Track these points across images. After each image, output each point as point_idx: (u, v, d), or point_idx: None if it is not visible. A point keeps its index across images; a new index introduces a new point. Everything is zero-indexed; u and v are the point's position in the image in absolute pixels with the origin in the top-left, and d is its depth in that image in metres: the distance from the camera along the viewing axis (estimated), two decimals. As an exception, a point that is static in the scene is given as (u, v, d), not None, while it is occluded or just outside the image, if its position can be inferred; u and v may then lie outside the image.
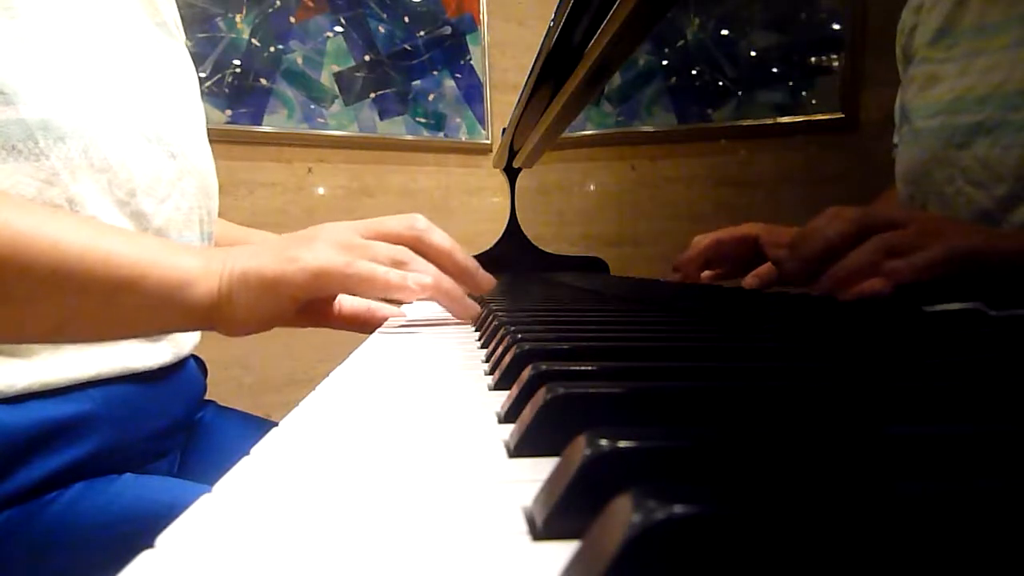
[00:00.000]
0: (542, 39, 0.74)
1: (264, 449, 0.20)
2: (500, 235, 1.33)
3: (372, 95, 1.82)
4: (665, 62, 1.21)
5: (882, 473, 0.15)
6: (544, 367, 0.24)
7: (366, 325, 0.59)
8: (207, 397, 0.74)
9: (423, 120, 1.88)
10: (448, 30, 1.90)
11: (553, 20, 0.68)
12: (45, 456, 0.47)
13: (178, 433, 0.64)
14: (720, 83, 0.98)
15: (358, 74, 1.80)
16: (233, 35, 1.66)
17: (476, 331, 0.51)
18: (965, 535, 0.11)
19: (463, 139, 1.93)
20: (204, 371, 0.73)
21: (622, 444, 0.15)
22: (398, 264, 0.48)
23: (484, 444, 0.21)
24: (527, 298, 0.72)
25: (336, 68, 1.78)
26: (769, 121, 0.79)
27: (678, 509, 0.10)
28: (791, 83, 0.75)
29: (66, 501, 0.47)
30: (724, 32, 1.01)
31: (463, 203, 1.92)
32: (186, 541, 0.14)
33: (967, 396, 0.20)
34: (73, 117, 0.49)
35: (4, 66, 0.46)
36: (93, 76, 0.52)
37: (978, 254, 0.37)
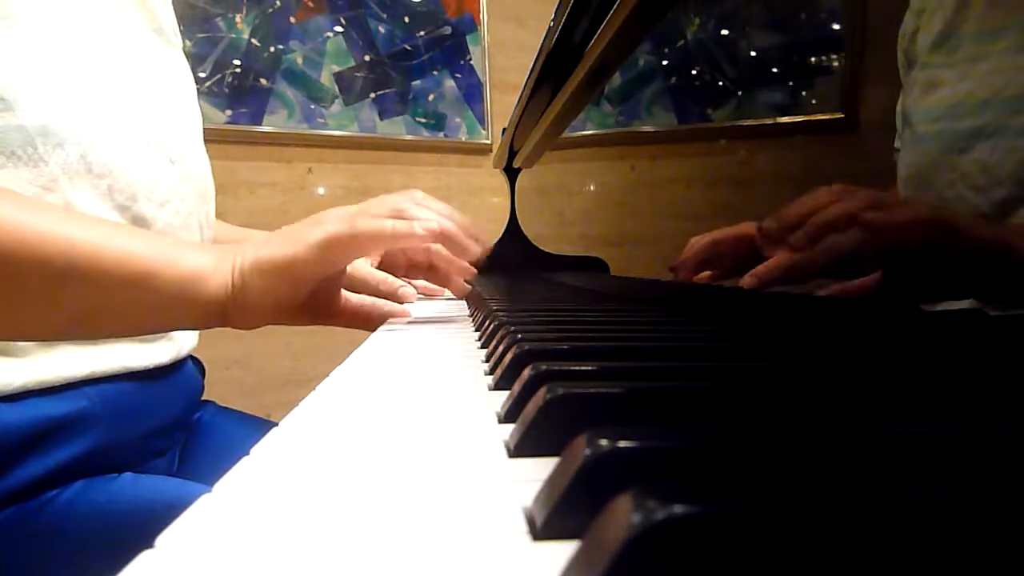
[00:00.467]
0: (542, 39, 0.74)
1: (264, 449, 0.20)
2: (500, 235, 1.33)
3: (372, 95, 1.82)
4: (665, 62, 1.21)
5: (882, 473, 0.15)
6: (544, 367, 0.24)
7: (370, 321, 0.59)
8: (205, 397, 0.74)
9: (423, 120, 1.88)
10: (448, 30, 1.90)
11: (553, 20, 0.68)
12: (42, 454, 0.47)
13: (176, 432, 0.64)
14: (720, 83, 0.98)
15: (358, 74, 1.80)
16: (233, 35, 1.67)
17: (476, 331, 0.51)
18: (965, 535, 0.11)
19: (463, 139, 1.93)
20: (202, 372, 0.73)
21: (622, 444, 0.15)
22: (400, 213, 0.49)
23: (484, 444, 0.21)
24: (527, 298, 0.72)
25: (336, 68, 1.78)
26: (769, 121, 0.79)
27: (678, 509, 0.11)
28: (791, 83, 0.75)
29: (65, 500, 0.47)
30: (724, 32, 1.01)
31: (463, 203, 1.92)
32: (186, 541, 0.14)
33: (967, 396, 0.20)
34: (72, 123, 0.49)
35: (3, 73, 0.46)
36: (92, 82, 0.53)
37: (961, 234, 0.37)
